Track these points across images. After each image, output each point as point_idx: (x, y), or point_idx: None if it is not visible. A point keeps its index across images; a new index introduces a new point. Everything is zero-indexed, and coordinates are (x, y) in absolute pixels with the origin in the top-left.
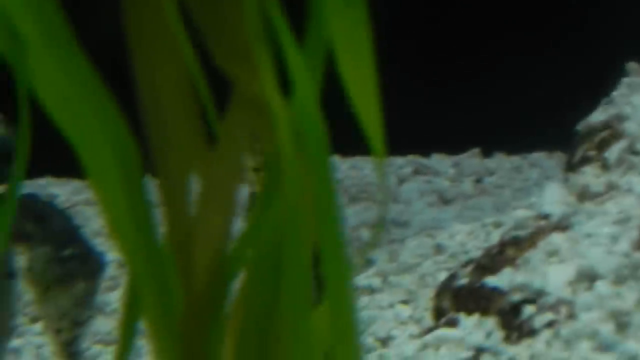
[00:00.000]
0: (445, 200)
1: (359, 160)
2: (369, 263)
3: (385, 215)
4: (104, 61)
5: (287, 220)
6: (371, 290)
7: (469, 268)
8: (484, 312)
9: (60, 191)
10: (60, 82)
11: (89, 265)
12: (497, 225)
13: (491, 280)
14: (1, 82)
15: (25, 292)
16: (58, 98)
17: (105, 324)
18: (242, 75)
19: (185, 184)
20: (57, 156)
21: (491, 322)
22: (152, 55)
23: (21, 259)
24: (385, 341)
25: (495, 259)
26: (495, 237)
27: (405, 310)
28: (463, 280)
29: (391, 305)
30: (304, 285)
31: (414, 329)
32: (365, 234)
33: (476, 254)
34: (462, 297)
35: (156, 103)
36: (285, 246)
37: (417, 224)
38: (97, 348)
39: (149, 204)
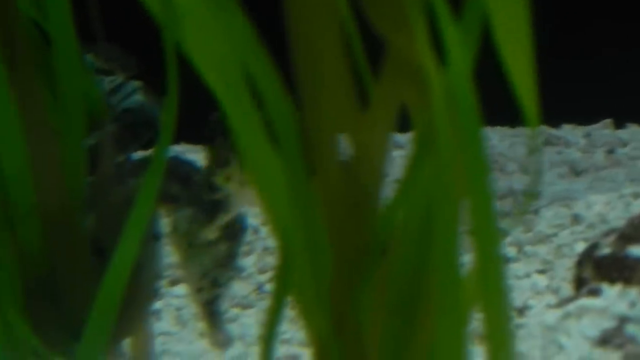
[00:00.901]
0: (576, 172)
1: (487, 131)
2: (504, 233)
3: (536, 186)
4: (258, 20)
5: (438, 185)
6: (507, 260)
7: (611, 238)
8: (628, 281)
9: (197, 157)
10: (215, 42)
11: (231, 226)
12: (636, 196)
13: (635, 250)
14: (142, 50)
15: (167, 255)
16: (212, 58)
17: (242, 288)
18: (398, 41)
19: (335, 146)
20: (191, 123)
21: (635, 291)
22: (308, 14)
23: (166, 221)
24: (522, 311)
25: (639, 228)
26: (636, 207)
27: (542, 280)
28: (605, 250)
29: (527, 275)
30: (454, 249)
31: (551, 298)
32: (497, 204)
33: (617, 224)
34: (604, 266)
35: (310, 63)
36: (436, 210)
37: (549, 195)
38: (234, 311)
39: (302, 167)
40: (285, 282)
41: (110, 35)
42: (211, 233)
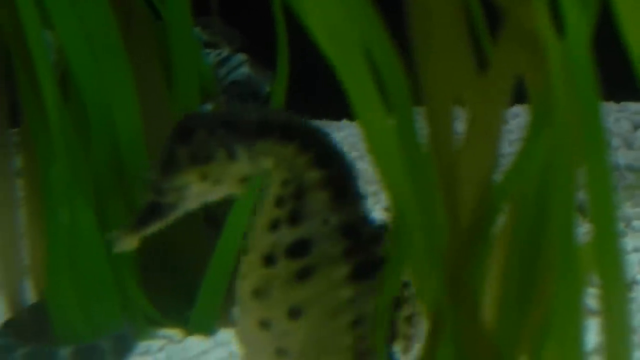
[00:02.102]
0: None
1: None
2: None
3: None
4: None
5: (555, 156)
6: None
7: None
8: None
9: None
10: (332, 10)
11: None
12: None
13: None
14: (244, 22)
15: None
16: (328, 26)
17: None
18: (517, 10)
19: (452, 113)
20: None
21: None
22: None
23: None
24: (630, 285)
25: None
26: None
27: None
28: None
29: (636, 250)
30: (571, 218)
31: None
32: None
33: None
34: None
35: (428, 29)
36: (553, 180)
37: None
38: None
39: (417, 135)
40: (400, 248)
41: (214, 9)
42: None
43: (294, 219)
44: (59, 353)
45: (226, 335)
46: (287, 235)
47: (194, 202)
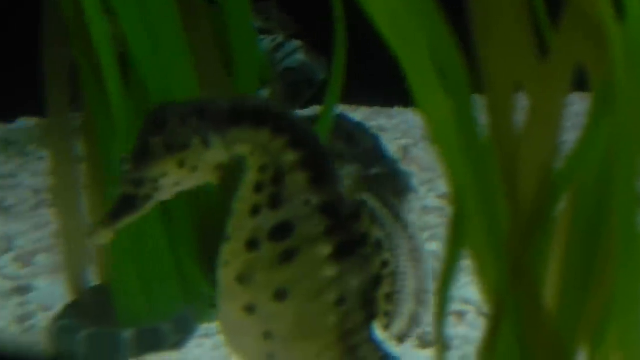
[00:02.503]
0: None
1: None
2: None
3: None
4: None
5: (616, 142)
6: None
7: None
8: None
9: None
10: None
11: (395, 183)
12: None
13: None
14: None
15: None
16: (390, 13)
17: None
18: None
19: (512, 100)
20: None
21: None
22: None
23: None
24: None
25: None
26: None
27: None
28: None
29: None
30: (633, 205)
31: None
32: None
33: None
34: None
35: (489, 16)
36: (614, 168)
37: None
38: None
39: (477, 122)
40: (460, 234)
41: None
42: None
43: (275, 202)
44: (121, 335)
45: None
46: (269, 219)
47: (169, 192)
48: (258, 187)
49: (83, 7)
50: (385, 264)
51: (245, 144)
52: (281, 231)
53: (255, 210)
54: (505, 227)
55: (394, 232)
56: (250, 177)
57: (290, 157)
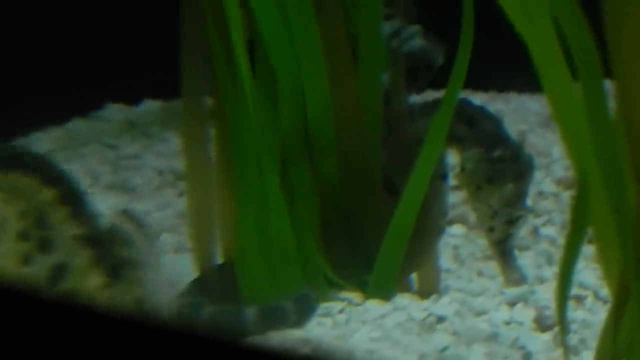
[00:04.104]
0: None
1: None
2: None
3: None
4: None
5: None
6: None
7: None
8: None
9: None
10: None
11: (518, 166)
12: None
13: None
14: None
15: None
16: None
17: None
18: None
19: None
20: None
21: None
22: None
23: (454, 161)
24: None
25: None
26: None
27: None
28: None
29: None
30: None
31: None
32: None
33: None
34: None
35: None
36: None
37: None
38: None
39: (606, 105)
40: (583, 217)
41: None
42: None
43: (45, 246)
44: (245, 312)
45: (404, 300)
46: (44, 264)
47: None
48: (24, 235)
49: None
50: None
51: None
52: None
53: (25, 260)
54: (633, 210)
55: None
56: (13, 227)
57: (49, 195)
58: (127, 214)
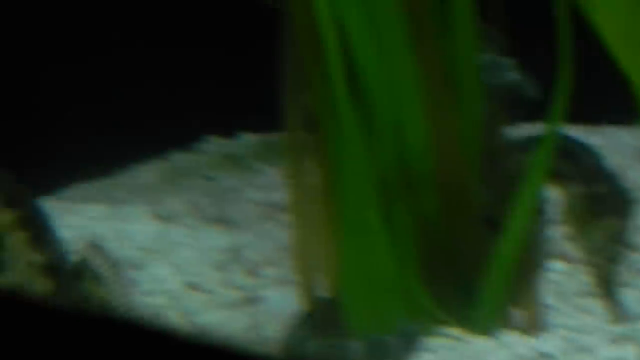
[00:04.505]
0: None
1: None
2: None
3: None
4: None
5: None
6: None
7: None
8: None
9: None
10: (622, 13)
11: (619, 201)
12: None
13: None
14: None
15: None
16: (615, 23)
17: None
18: None
19: None
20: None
21: None
22: None
23: (554, 196)
24: None
25: None
26: None
27: None
28: None
29: None
30: None
31: None
32: None
33: None
34: None
35: None
36: None
37: None
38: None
39: None
40: None
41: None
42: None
43: None
44: (350, 346)
45: (510, 337)
46: None
47: None
48: None
49: (315, 22)
50: None
51: None
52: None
53: None
54: None
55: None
56: None
57: (8, 216)
58: (96, 246)
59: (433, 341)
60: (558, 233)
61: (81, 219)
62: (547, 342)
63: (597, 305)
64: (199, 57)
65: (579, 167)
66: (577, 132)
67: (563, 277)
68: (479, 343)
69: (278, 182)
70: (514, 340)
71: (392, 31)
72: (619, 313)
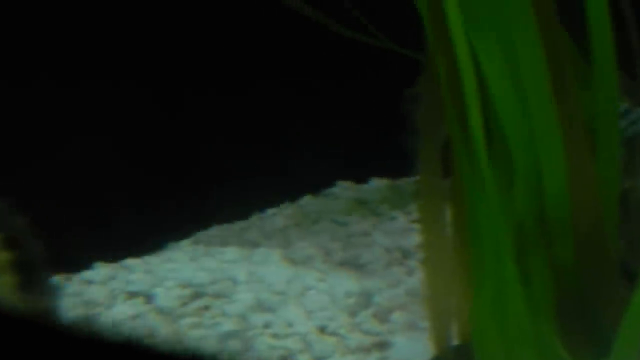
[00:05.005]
0: None
1: None
2: None
3: None
4: None
5: None
6: None
7: None
8: None
9: None
10: None
11: None
12: None
13: None
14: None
15: None
16: None
17: None
18: None
19: None
20: None
21: None
22: None
23: None
24: None
25: None
26: None
27: None
28: None
29: None
30: None
31: None
32: None
33: None
34: None
35: None
36: None
37: None
38: None
39: None
40: None
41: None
42: None
43: None
44: None
45: None
46: None
47: None
48: None
49: (457, 69)
50: None
51: None
52: None
53: None
54: None
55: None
56: None
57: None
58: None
59: None
60: None
61: (217, 262)
62: None
63: None
64: (331, 101)
65: None
66: None
67: None
68: None
69: (407, 228)
70: None
71: (534, 80)
72: None
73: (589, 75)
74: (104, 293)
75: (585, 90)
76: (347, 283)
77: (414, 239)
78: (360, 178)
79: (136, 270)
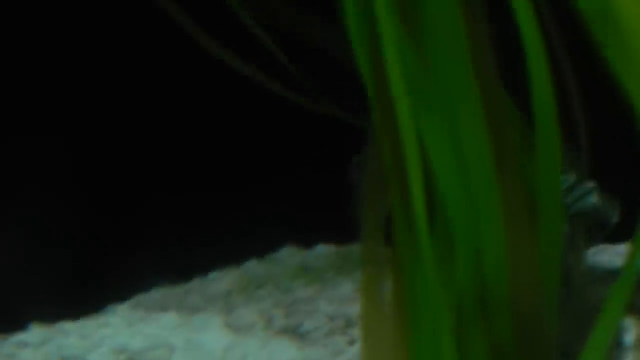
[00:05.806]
0: None
1: None
2: None
3: None
4: None
5: None
6: None
7: None
8: None
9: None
10: None
11: None
12: None
13: None
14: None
15: None
16: None
17: None
18: None
19: None
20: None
21: None
22: None
23: (631, 331)
24: None
25: None
26: None
27: None
28: None
29: None
30: None
31: None
32: None
33: None
34: None
35: None
36: None
37: None
38: None
39: None
40: None
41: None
42: None
43: None
44: None
45: None
46: None
47: None
48: None
49: (399, 141)
50: None
51: None
52: None
53: None
54: None
55: None
56: None
57: None
58: None
59: None
60: None
61: (155, 328)
62: None
63: None
64: (277, 169)
65: None
66: None
67: None
68: None
69: (352, 296)
70: None
71: (476, 155)
72: None
73: (533, 148)
74: (37, 357)
75: (528, 162)
76: (287, 351)
77: (358, 307)
78: (308, 243)
79: (71, 334)
